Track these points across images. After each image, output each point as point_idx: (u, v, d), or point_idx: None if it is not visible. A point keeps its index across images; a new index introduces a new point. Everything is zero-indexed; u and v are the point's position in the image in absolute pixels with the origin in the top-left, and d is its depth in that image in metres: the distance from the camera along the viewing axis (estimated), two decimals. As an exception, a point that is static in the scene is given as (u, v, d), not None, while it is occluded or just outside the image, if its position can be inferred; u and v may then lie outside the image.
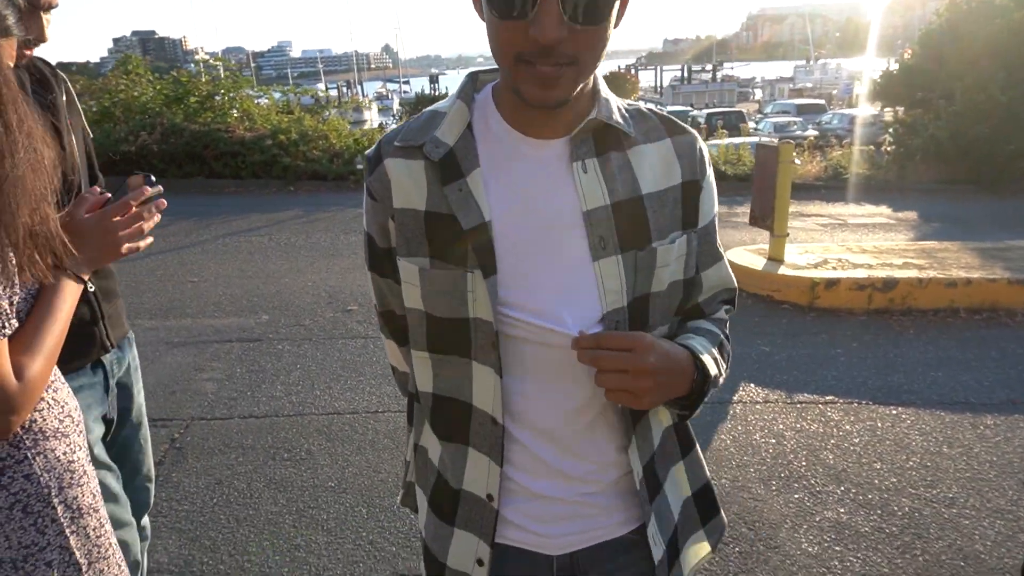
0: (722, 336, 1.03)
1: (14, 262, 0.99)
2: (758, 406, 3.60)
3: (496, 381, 0.92)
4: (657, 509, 1.00)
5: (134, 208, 1.28)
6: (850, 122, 21.87)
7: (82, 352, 1.50)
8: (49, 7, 1.44)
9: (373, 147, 0.97)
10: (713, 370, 0.95)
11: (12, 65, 1.21)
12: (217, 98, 10.36)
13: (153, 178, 1.36)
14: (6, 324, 0.98)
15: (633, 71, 64.88)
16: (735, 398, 3.69)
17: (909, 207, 8.86)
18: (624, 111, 0.96)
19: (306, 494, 2.87)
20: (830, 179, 10.23)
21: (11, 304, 0.99)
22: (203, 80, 10.80)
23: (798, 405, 3.61)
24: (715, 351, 0.99)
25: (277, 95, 11.96)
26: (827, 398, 3.68)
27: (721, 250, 1.05)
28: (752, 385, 3.83)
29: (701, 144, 0.99)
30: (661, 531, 1.00)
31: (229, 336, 4.48)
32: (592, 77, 0.91)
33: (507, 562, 1.00)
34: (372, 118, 36.03)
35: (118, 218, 1.26)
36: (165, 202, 1.35)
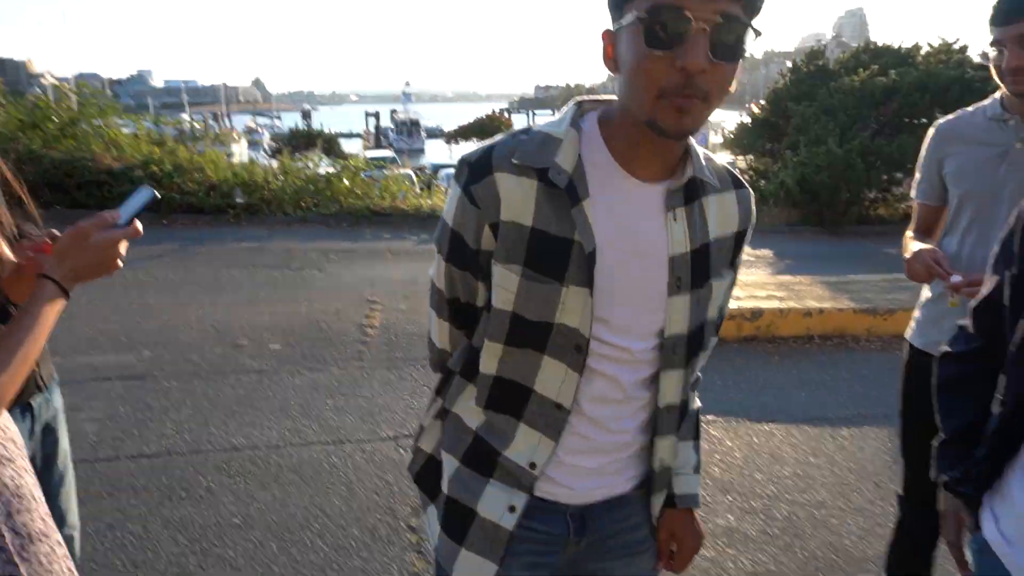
0: (696, 417, 1.30)
1: None
2: (649, 427, 3.84)
3: (571, 376, 1.05)
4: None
5: (140, 229, 1.19)
6: (709, 169, 23.59)
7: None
8: None
9: (479, 154, 1.02)
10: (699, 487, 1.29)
11: None
12: (81, 125, 9.72)
13: (158, 195, 1.28)
14: None
15: (506, 115, 66.86)
16: (628, 421, 3.92)
17: (765, 246, 9.71)
18: (704, 161, 1.07)
19: (209, 532, 2.76)
20: (696, 220, 11.03)
21: None
22: (62, 105, 10.12)
23: (684, 425, 3.88)
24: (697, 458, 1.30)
25: (147, 124, 11.37)
26: (709, 418, 3.98)
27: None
28: (642, 408, 4.08)
29: (752, 197, 1.15)
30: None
31: (108, 374, 4.22)
32: None
33: (530, 514, 1.13)
34: (241, 152, 34.80)
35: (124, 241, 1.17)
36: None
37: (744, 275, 7.54)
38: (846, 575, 2.63)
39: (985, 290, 1.22)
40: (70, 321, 5.04)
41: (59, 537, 1.17)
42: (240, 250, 7.63)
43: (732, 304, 5.52)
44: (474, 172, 1.02)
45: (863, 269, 7.61)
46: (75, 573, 1.18)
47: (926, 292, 1.99)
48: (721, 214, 1.10)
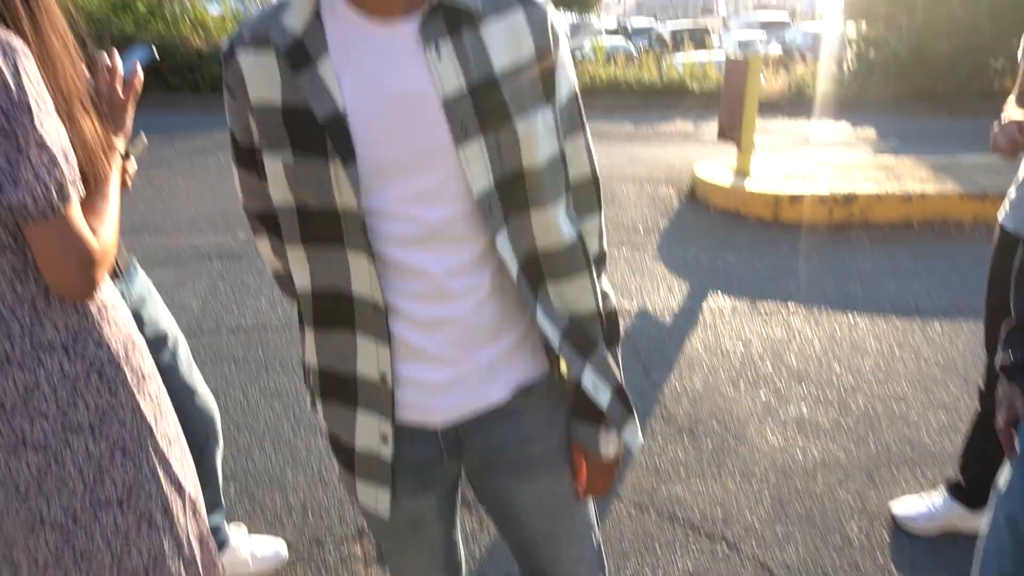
0: (604, 324, 1.07)
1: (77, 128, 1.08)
2: (726, 314, 3.81)
3: (370, 266, 0.94)
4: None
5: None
6: (814, 38, 21.80)
7: None
8: None
9: (227, 40, 0.96)
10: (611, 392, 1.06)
11: None
12: (169, 3, 9.84)
13: (155, 50, 1.45)
14: (77, 182, 1.03)
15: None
16: (704, 306, 3.89)
17: (868, 124, 9.05)
18: None
19: (301, 401, 3.00)
20: (794, 96, 10.34)
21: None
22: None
23: (763, 313, 3.83)
24: (612, 370, 1.07)
25: (231, 2, 11.38)
26: (790, 306, 3.90)
27: (583, 127, 1.04)
28: (720, 294, 4.03)
29: (553, 14, 0.97)
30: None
31: (208, 253, 4.49)
32: None
33: (402, 440, 1.05)
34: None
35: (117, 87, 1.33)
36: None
37: (839, 156, 7.11)
38: (920, 469, 2.61)
39: None
40: (172, 203, 5.35)
41: (160, 380, 1.31)
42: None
43: (823, 188, 5.25)
44: (224, 60, 0.96)
45: (979, 150, 7.01)
46: (173, 411, 1.33)
47: (1023, 170, 1.84)
48: (509, 38, 0.93)
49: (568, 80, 1.00)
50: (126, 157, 1.43)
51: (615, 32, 32.76)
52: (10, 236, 1.02)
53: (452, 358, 1.00)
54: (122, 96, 1.30)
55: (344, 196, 0.91)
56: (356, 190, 0.90)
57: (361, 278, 0.96)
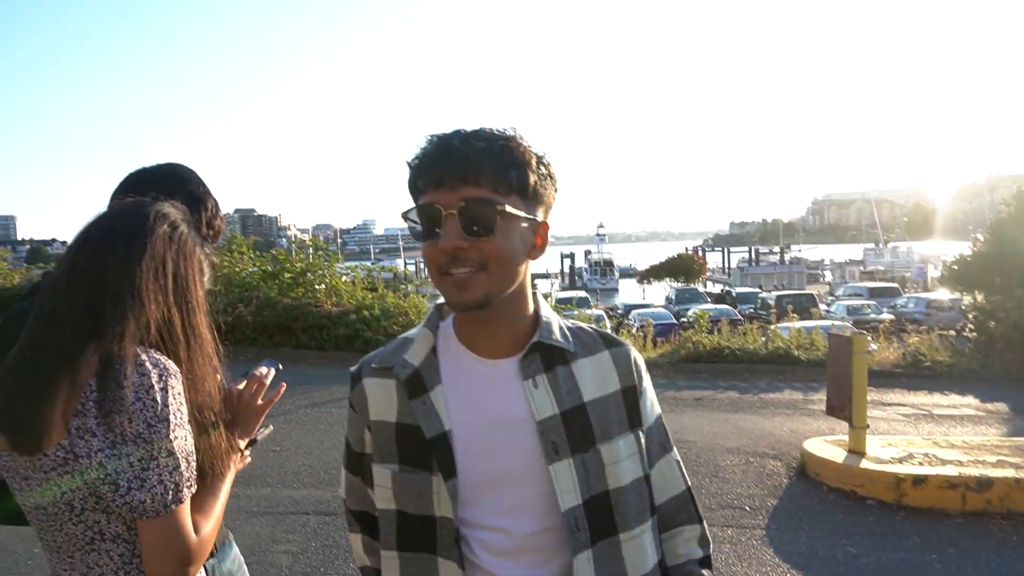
0: None
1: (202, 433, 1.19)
2: (849, 615, 3.37)
3: (459, 574, 1.01)
4: None
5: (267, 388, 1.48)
6: (927, 306, 21.50)
7: None
8: (217, 236, 1.71)
9: (356, 366, 1.16)
10: None
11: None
12: (308, 274, 11.17)
13: (280, 365, 1.58)
14: (192, 485, 1.12)
15: (700, 252, 66.29)
16: (823, 604, 3.47)
17: (998, 398, 8.46)
18: (565, 329, 1.12)
19: None
20: (909, 366, 9.95)
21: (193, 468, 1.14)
22: (298, 258, 11.73)
23: (893, 616, 3.36)
24: None
25: (363, 272, 12.79)
26: (925, 610, 3.41)
27: (671, 447, 1.16)
28: (841, 590, 3.61)
29: (635, 354, 1.14)
30: None
31: (306, 508, 4.57)
32: (530, 301, 1.09)
33: None
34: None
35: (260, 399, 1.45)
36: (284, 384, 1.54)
37: (967, 434, 6.61)
38: None
39: None
40: (282, 454, 5.60)
41: None
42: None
43: (951, 470, 4.82)
44: (352, 381, 1.15)
45: None
46: None
47: None
48: (597, 375, 1.09)
49: (652, 408, 1.14)
50: (249, 445, 1.54)
51: (720, 299, 33.84)
52: (124, 527, 1.10)
53: None
54: (261, 403, 1.45)
55: (442, 507, 1.02)
56: (454, 502, 1.02)
57: None
